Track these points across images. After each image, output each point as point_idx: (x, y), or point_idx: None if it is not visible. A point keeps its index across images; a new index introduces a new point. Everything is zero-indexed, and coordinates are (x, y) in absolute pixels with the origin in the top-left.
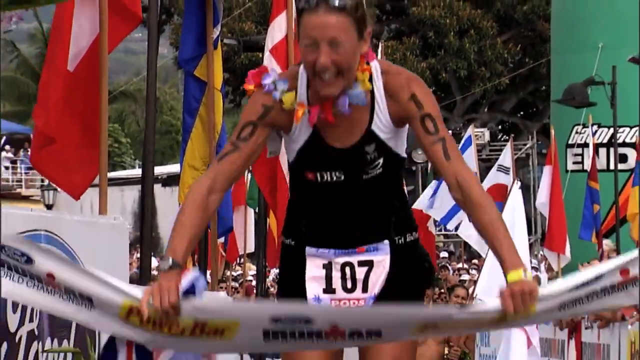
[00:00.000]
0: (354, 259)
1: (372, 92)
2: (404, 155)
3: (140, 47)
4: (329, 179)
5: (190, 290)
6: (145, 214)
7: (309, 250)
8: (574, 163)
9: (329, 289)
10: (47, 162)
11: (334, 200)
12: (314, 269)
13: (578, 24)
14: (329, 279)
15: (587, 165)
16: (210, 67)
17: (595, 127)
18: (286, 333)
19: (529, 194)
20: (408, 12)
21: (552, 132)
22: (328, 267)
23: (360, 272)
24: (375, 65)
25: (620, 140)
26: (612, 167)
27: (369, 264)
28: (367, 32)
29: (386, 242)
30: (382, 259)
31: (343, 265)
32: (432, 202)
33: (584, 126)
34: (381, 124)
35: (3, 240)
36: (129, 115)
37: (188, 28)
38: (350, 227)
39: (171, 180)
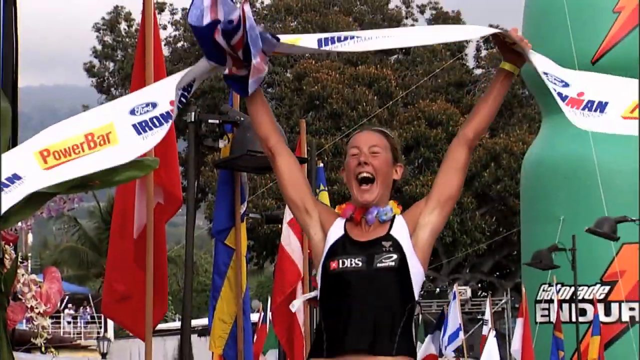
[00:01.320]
0: None
1: (392, 222)
2: (413, 283)
3: (180, 220)
4: (349, 265)
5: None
6: (184, 359)
7: None
8: (542, 316)
9: None
10: (119, 313)
11: (351, 292)
12: None
13: (542, 200)
14: None
15: (553, 318)
16: (238, 237)
17: (559, 286)
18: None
19: (505, 342)
20: (402, 191)
21: (523, 289)
22: None
23: None
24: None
25: (580, 297)
26: (574, 319)
27: None
28: (398, 164)
29: None
30: None
31: None
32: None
33: (550, 285)
34: (400, 232)
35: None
36: (171, 277)
37: (220, 205)
38: (362, 326)
39: (205, 331)
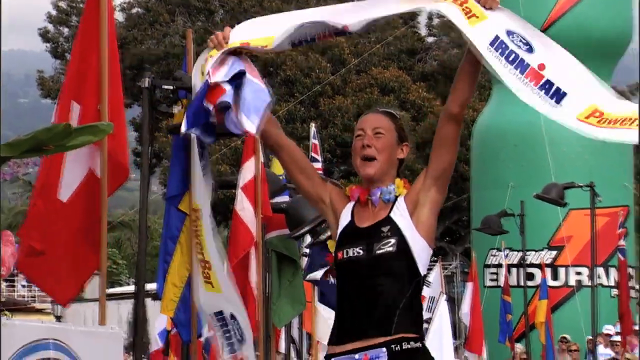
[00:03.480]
0: None
1: (396, 199)
2: (418, 261)
3: (134, 185)
4: (352, 254)
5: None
6: (138, 323)
7: None
8: (491, 280)
9: None
10: (35, 271)
11: (354, 281)
12: None
13: (492, 167)
14: None
15: (500, 282)
16: (191, 202)
17: (507, 251)
18: (306, 34)
19: (454, 305)
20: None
21: (473, 254)
22: None
23: None
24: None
25: (528, 262)
26: (521, 283)
27: None
28: (404, 144)
29: (384, 350)
30: None
31: None
32: None
33: (498, 250)
34: (400, 216)
35: None
36: (125, 242)
37: (174, 170)
38: (362, 312)
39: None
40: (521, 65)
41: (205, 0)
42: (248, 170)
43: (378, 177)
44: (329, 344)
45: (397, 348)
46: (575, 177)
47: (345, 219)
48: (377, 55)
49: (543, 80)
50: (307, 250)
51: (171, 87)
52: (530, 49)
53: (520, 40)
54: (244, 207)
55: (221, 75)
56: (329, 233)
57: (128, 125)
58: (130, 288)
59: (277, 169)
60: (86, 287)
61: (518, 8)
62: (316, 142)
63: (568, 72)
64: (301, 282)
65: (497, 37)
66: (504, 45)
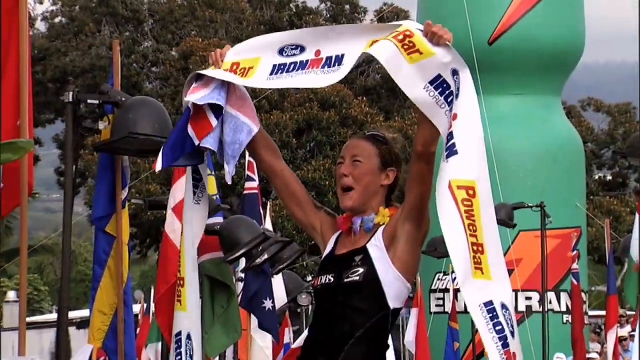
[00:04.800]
0: None
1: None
2: (387, 293)
3: (57, 206)
4: (324, 281)
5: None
6: (61, 353)
7: None
8: (437, 306)
9: None
10: None
11: (320, 308)
12: None
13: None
14: None
15: (447, 307)
16: (119, 223)
17: (454, 275)
18: (286, 65)
19: (398, 332)
20: None
21: (418, 278)
22: None
23: None
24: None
25: None
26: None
27: None
28: (390, 169)
29: None
30: None
31: None
32: None
33: (445, 273)
34: (376, 248)
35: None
36: (47, 266)
37: (100, 190)
38: (320, 339)
39: (84, 324)
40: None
41: (134, 9)
42: (179, 190)
43: (357, 207)
44: None
45: None
46: (525, 197)
47: (328, 247)
48: None
49: (449, 131)
50: (242, 275)
51: (97, 102)
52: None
53: (457, 83)
54: (174, 229)
55: (196, 96)
56: (265, 256)
57: (51, 142)
58: (53, 316)
59: (210, 188)
60: (5, 315)
61: (464, 19)
62: (252, 159)
63: (469, 135)
64: (236, 309)
65: (439, 76)
66: (445, 85)
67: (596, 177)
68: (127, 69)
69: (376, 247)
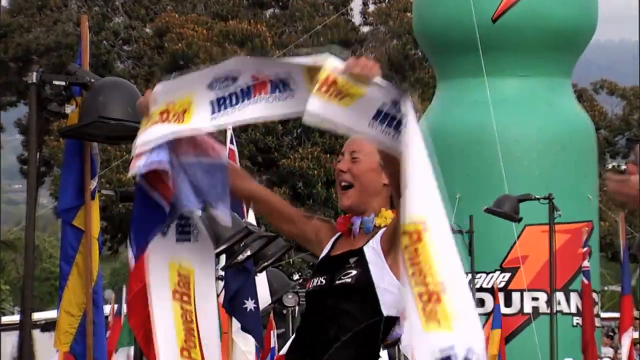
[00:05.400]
0: None
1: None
2: (382, 300)
3: (20, 198)
4: (316, 283)
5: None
6: (24, 358)
7: None
8: None
9: None
10: None
11: (310, 310)
12: None
13: (437, 175)
14: None
15: None
16: (88, 216)
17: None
18: (225, 99)
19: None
20: (278, 164)
21: None
22: None
23: None
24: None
25: (478, 286)
26: None
27: None
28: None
29: None
30: None
31: None
32: None
33: None
34: (372, 251)
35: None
36: (8, 263)
37: (67, 179)
38: (307, 339)
39: (50, 326)
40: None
41: None
42: None
43: (356, 207)
44: None
45: None
46: (531, 188)
47: (325, 249)
48: (305, 46)
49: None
50: (222, 273)
51: (63, 83)
52: (405, 124)
53: (401, 112)
54: None
55: (140, 165)
56: (248, 252)
57: (13, 127)
58: (15, 318)
59: None
60: None
61: None
62: (234, 147)
63: (416, 164)
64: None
65: (379, 111)
66: (389, 117)
67: (609, 166)
68: (97, 47)
69: (373, 250)
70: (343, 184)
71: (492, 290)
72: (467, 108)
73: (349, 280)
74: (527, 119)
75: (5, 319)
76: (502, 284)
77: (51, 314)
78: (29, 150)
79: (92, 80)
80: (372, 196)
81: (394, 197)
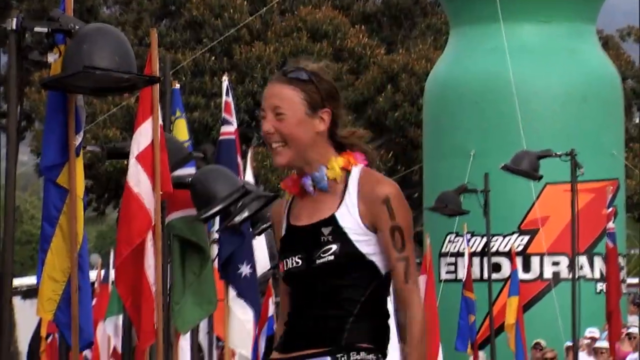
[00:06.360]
0: None
1: (345, 185)
2: (376, 261)
3: None
4: (291, 265)
5: None
6: (3, 328)
7: None
8: (448, 272)
9: None
10: None
11: (297, 295)
12: None
13: (449, 130)
14: None
15: (460, 274)
16: (72, 174)
17: (469, 236)
18: None
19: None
20: None
21: (427, 240)
22: None
23: None
24: (359, 167)
25: (494, 250)
26: (485, 276)
27: None
28: (323, 110)
29: (328, 358)
30: None
31: None
32: None
33: (458, 235)
34: (348, 215)
35: None
36: None
37: (49, 135)
38: (310, 323)
39: (32, 293)
40: None
41: None
42: (144, 135)
43: (295, 164)
44: (274, 348)
45: (343, 358)
46: (552, 144)
47: (283, 221)
48: None
49: None
50: (218, 236)
51: (45, 30)
52: None
53: None
54: (139, 181)
55: None
56: (246, 213)
57: None
58: None
59: (181, 133)
60: None
61: None
62: (229, 99)
63: None
64: (211, 276)
65: None
66: None
67: (637, 120)
68: None
69: (348, 215)
70: (274, 145)
71: (509, 255)
72: (482, 56)
73: (332, 257)
74: (547, 69)
75: None
76: (520, 248)
77: (33, 279)
78: (8, 103)
79: (77, 26)
80: (310, 149)
81: (340, 133)
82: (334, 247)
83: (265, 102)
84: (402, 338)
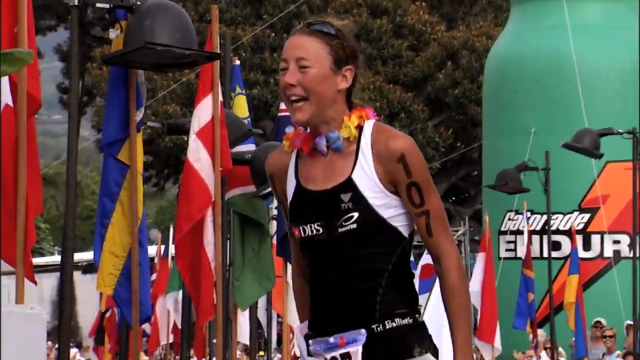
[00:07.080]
0: (337, 353)
1: (358, 143)
2: (398, 226)
3: (60, 130)
4: (310, 233)
5: None
6: (64, 302)
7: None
8: (507, 250)
9: None
10: None
11: (320, 266)
12: None
13: (510, 108)
14: None
15: (520, 252)
16: (133, 150)
17: (528, 214)
18: None
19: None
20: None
21: (486, 218)
22: None
23: None
24: (371, 122)
25: (554, 228)
26: (545, 255)
27: (348, 357)
28: (347, 67)
29: (363, 331)
30: (355, 349)
31: None
32: None
33: (517, 213)
34: (365, 177)
35: None
36: (48, 200)
37: (111, 110)
38: (338, 301)
39: (92, 268)
40: None
41: None
42: (204, 111)
43: (314, 121)
44: (308, 328)
45: (379, 328)
46: (614, 122)
47: (291, 181)
48: None
49: None
50: (277, 212)
51: (107, 6)
52: None
53: None
54: (199, 157)
55: None
56: None
57: (52, 54)
58: (56, 258)
59: (241, 109)
60: None
61: None
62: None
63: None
64: (270, 253)
65: None
66: None
67: None
68: None
69: (366, 177)
70: (293, 98)
71: (569, 233)
72: (544, 34)
73: (354, 225)
74: (610, 46)
75: (44, 260)
76: (581, 226)
77: (92, 254)
78: (70, 79)
79: (138, 2)
80: (329, 106)
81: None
82: (355, 214)
83: (287, 52)
84: (441, 291)
